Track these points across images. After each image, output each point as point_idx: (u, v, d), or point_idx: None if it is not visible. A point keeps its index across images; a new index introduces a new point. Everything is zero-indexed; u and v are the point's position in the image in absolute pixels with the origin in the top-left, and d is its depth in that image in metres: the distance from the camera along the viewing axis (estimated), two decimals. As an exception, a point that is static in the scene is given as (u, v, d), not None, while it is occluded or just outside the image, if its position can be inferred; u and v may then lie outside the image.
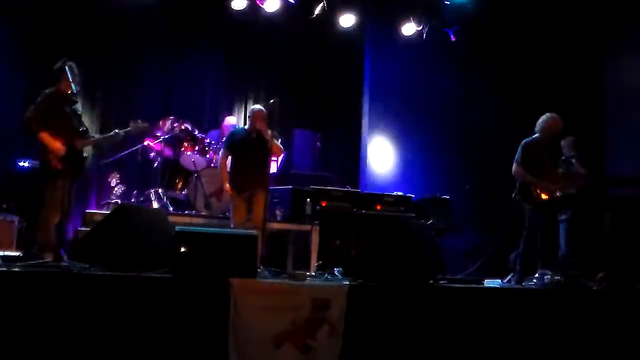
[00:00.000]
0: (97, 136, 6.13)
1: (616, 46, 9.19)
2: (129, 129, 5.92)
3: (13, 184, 6.98)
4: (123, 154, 7.41)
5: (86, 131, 5.41)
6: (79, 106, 5.83)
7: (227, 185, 6.35)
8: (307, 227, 6.89)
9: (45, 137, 5.36)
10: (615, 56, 9.20)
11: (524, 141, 6.40)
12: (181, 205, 7.46)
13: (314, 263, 6.61)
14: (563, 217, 6.98)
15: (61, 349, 3.53)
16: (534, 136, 6.44)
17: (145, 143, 7.42)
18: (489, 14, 8.88)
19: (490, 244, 8.40)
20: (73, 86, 5.36)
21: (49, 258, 4.83)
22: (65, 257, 4.79)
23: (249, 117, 6.58)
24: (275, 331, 4.02)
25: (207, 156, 7.53)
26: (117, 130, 5.88)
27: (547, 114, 6.44)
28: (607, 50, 9.27)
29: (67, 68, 5.38)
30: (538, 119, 6.51)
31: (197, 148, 7.46)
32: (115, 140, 5.93)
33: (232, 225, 6.27)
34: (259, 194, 6.15)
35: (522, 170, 6.29)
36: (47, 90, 5.53)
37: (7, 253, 5.46)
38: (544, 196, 6.25)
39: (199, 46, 8.84)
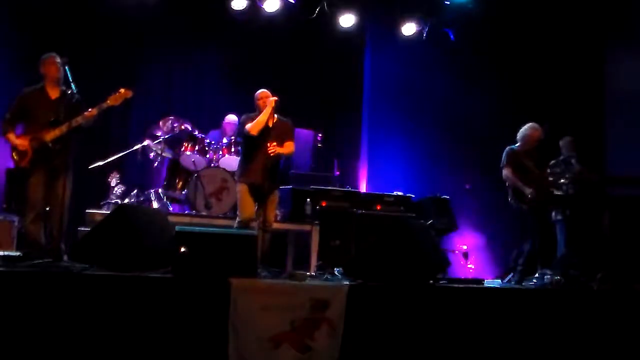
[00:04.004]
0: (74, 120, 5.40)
1: (616, 47, 9.18)
2: (104, 102, 5.47)
3: (13, 184, 6.96)
4: (123, 153, 7.41)
5: (56, 121, 5.23)
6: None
7: None
8: (307, 227, 6.89)
9: (9, 138, 5.45)
10: (615, 57, 9.19)
11: (507, 148, 6.63)
12: (181, 205, 7.46)
13: (314, 263, 6.61)
14: (559, 217, 6.99)
15: (62, 349, 3.53)
16: (516, 145, 6.66)
17: (146, 143, 7.43)
18: (489, 14, 8.87)
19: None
20: (73, 86, 5.37)
21: (45, 256, 4.81)
22: (65, 257, 4.79)
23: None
24: (274, 331, 4.02)
25: (207, 156, 7.52)
26: (101, 104, 5.46)
27: (528, 124, 6.67)
28: (607, 51, 9.26)
29: (67, 68, 5.40)
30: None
31: (197, 148, 7.45)
32: (96, 114, 5.41)
33: None
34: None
35: (510, 173, 6.48)
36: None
37: (7, 253, 5.45)
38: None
39: (199, 46, 8.83)
